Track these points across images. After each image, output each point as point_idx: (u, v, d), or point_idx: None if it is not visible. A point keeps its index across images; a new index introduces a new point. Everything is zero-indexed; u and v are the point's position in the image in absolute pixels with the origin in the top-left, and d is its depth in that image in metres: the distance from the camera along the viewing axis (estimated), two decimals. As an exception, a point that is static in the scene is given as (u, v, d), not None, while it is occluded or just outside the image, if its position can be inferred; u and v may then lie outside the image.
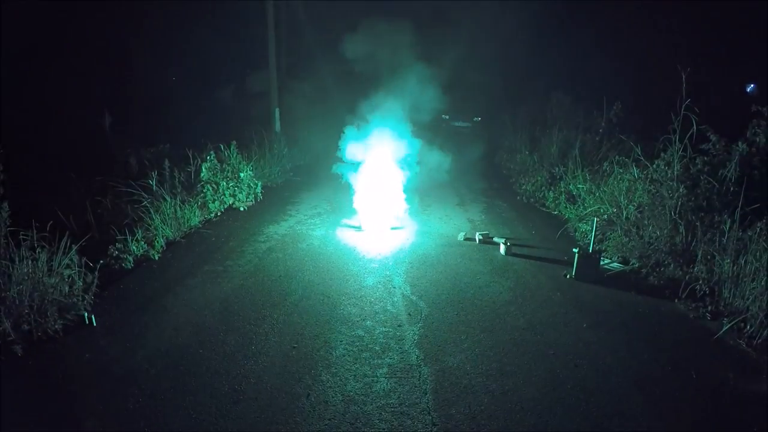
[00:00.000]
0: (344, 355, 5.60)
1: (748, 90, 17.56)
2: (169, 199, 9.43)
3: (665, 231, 7.88)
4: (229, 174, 11.16)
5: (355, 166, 10.55)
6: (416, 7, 10.45)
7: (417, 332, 6.09)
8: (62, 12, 12.53)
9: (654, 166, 8.55)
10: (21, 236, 6.26)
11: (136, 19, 13.63)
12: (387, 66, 10.53)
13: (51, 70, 12.33)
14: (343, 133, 10.60)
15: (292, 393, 4.96)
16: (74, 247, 6.64)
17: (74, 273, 6.49)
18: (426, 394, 4.97)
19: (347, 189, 11.45)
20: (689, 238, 7.61)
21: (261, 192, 11.99)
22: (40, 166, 10.30)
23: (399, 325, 6.24)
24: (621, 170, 9.68)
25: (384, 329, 6.15)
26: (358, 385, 5.09)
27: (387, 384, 5.11)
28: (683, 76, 8.18)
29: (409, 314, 6.53)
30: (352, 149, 10.46)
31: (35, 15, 11.89)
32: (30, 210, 6.88)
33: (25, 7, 11.60)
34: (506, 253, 8.62)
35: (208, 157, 10.82)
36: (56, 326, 5.91)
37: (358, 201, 10.56)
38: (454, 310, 6.67)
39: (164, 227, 8.97)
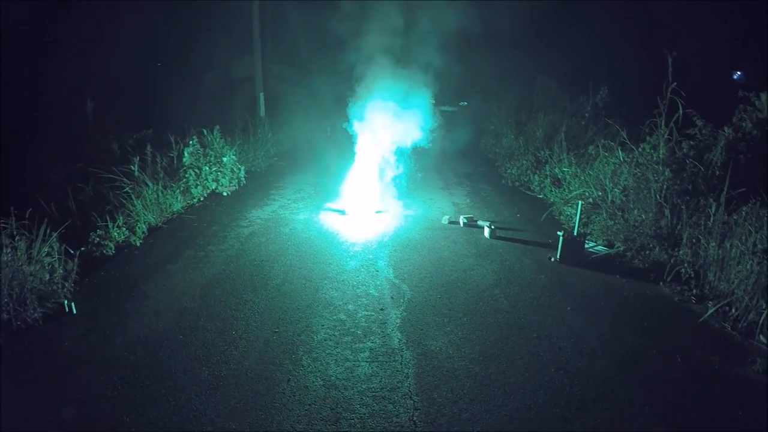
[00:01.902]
0: (325, 340, 5.55)
1: (735, 77, 17.60)
2: (151, 184, 9.33)
3: (650, 214, 7.86)
4: (212, 159, 11.06)
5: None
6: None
7: (399, 316, 6.04)
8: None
9: (640, 149, 8.52)
10: (0, 224, 6.15)
11: (120, 3, 13.46)
12: (373, 50, 10.42)
13: (30, 55, 12.15)
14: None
15: (273, 378, 4.90)
16: (54, 235, 6.57)
17: (54, 261, 6.42)
18: (408, 378, 4.93)
19: (332, 173, 11.41)
20: (674, 222, 7.59)
21: (244, 177, 11.91)
22: (19, 152, 10.16)
23: (381, 309, 6.19)
24: (606, 154, 9.64)
25: (366, 313, 6.10)
26: (340, 370, 5.04)
27: (368, 368, 5.06)
28: (669, 60, 8.15)
29: (392, 298, 6.48)
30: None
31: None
32: (9, 197, 6.79)
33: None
34: (491, 236, 8.58)
35: (191, 142, 10.70)
36: (36, 315, 5.84)
37: (343, 185, 10.50)
38: (437, 293, 6.62)
39: (146, 213, 8.88)
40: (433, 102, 11.89)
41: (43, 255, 6.32)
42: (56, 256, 6.46)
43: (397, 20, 10.27)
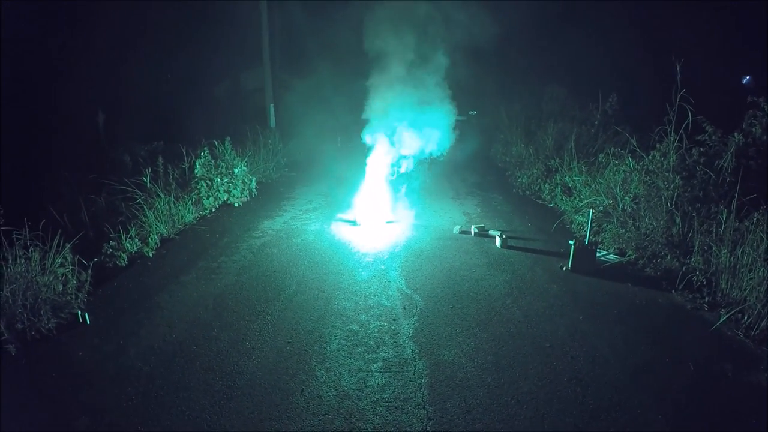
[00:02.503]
0: (339, 350, 5.57)
1: (744, 81, 17.52)
2: (163, 196, 9.38)
3: (661, 222, 7.85)
4: (224, 170, 11.10)
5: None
6: (411, 3, 10.32)
7: (412, 326, 6.05)
8: (56, 9, 12.46)
9: (650, 157, 8.51)
10: (14, 235, 6.21)
11: (130, 15, 13.55)
12: (385, 60, 10.45)
13: (44, 68, 12.25)
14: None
15: (286, 389, 4.93)
16: (68, 246, 6.61)
17: (68, 271, 6.47)
18: (421, 388, 4.94)
19: (343, 183, 11.44)
20: (686, 229, 7.58)
21: (256, 188, 11.93)
22: (33, 164, 10.23)
23: (394, 319, 6.21)
24: (617, 162, 9.63)
25: (379, 323, 6.12)
26: (353, 380, 5.05)
27: (382, 378, 5.08)
28: (677, 67, 8.14)
29: (404, 308, 6.50)
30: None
31: (29, 11, 11.82)
32: (23, 208, 6.84)
33: (21, 4, 11.54)
34: (502, 245, 8.58)
35: (202, 154, 10.75)
36: (50, 325, 5.88)
37: (354, 195, 10.53)
38: (449, 303, 6.63)
39: (158, 224, 8.93)
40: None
41: (57, 266, 6.38)
42: (70, 266, 6.51)
43: (409, 34, 10.30)
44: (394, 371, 5.20)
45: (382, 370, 5.22)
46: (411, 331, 5.95)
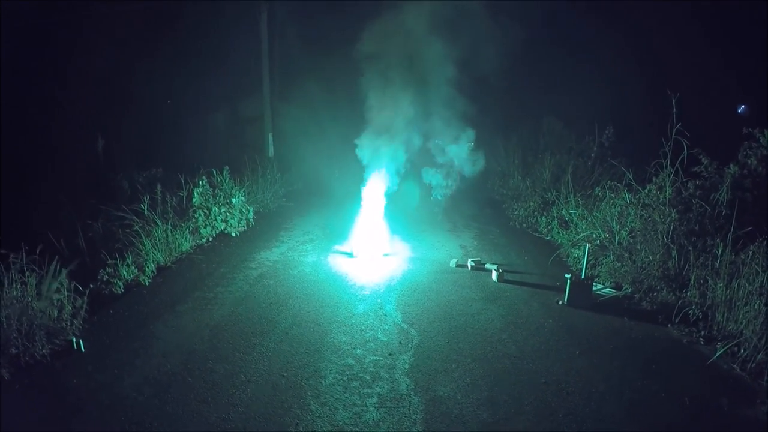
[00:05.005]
0: (334, 384, 5.55)
1: (739, 111, 17.60)
2: (160, 223, 9.38)
3: (657, 256, 7.86)
4: (221, 199, 11.13)
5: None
6: (407, 32, 10.40)
7: (408, 361, 6.03)
8: (55, 34, 12.55)
9: (646, 190, 8.56)
10: (11, 259, 6.21)
11: (130, 42, 13.64)
12: (380, 91, 10.51)
13: (43, 93, 12.32)
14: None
15: (281, 422, 4.90)
16: (64, 271, 6.60)
17: (63, 297, 6.46)
18: (416, 424, 4.92)
19: (340, 215, 11.45)
20: (682, 263, 7.60)
21: (253, 218, 11.94)
22: (31, 188, 10.26)
23: (390, 354, 6.19)
24: (613, 195, 9.67)
25: (374, 358, 6.10)
26: (348, 415, 5.03)
27: (377, 414, 5.06)
28: (673, 101, 8.21)
29: (400, 342, 6.48)
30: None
31: (27, 35, 11.91)
32: (20, 233, 6.84)
33: (19, 28, 11.63)
34: (498, 279, 8.58)
35: (201, 182, 10.78)
36: (44, 351, 5.87)
37: (351, 227, 10.56)
38: (445, 338, 6.62)
39: (155, 252, 8.92)
40: (440, 143, 11.98)
41: (53, 291, 6.35)
42: (65, 293, 6.50)
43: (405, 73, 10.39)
44: (389, 406, 5.18)
45: (377, 405, 5.20)
46: (407, 366, 5.93)
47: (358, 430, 4.81)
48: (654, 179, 8.52)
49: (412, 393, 5.41)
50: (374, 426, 4.87)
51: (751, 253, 6.70)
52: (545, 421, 4.98)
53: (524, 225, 12.18)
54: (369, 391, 5.44)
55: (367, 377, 5.69)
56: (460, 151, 11.97)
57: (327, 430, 4.80)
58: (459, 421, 4.96)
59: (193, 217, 10.37)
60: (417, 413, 5.07)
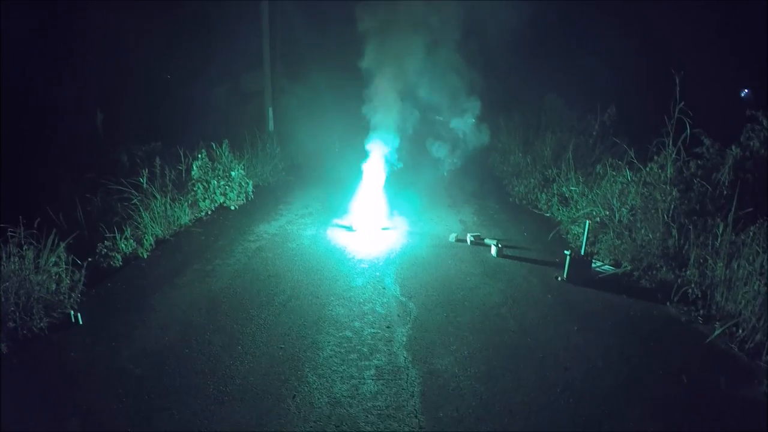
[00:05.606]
0: (331, 357, 5.55)
1: (743, 95, 17.52)
2: (159, 197, 9.34)
3: (658, 234, 7.84)
4: (221, 173, 11.08)
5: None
6: (410, 12, 10.29)
7: (406, 334, 6.03)
8: (54, 7, 12.46)
9: (647, 169, 8.52)
10: (9, 233, 6.19)
11: (130, 16, 13.53)
12: (383, 67, 10.43)
13: (43, 66, 12.24)
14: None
15: (278, 394, 4.90)
16: (62, 245, 6.59)
17: (62, 271, 6.45)
18: (413, 396, 4.92)
19: (340, 189, 11.41)
20: (682, 242, 7.57)
21: (252, 191, 11.91)
22: (29, 161, 10.21)
23: (388, 327, 6.19)
24: (614, 173, 9.62)
25: (372, 330, 6.10)
26: (345, 387, 5.03)
27: (374, 386, 5.06)
28: (677, 80, 8.15)
29: (399, 315, 6.47)
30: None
31: (29, 10, 11.82)
32: (18, 206, 6.81)
33: (21, 3, 11.54)
34: (497, 254, 8.57)
35: (200, 156, 10.72)
36: (42, 324, 5.86)
37: (350, 201, 10.52)
38: (443, 311, 6.61)
39: (154, 225, 8.90)
40: (441, 119, 11.94)
41: (51, 265, 6.35)
42: (63, 266, 6.49)
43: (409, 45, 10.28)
44: (387, 379, 5.18)
45: (374, 377, 5.20)
46: (405, 338, 5.93)
47: (355, 402, 4.81)
48: (656, 158, 8.48)
49: (409, 366, 5.41)
50: (372, 398, 4.87)
51: (751, 233, 6.66)
52: (543, 395, 4.97)
53: (524, 201, 12.15)
54: (366, 363, 5.44)
55: (365, 350, 5.69)
56: (464, 125, 11.92)
57: (324, 401, 4.80)
58: (456, 394, 4.96)
59: (192, 190, 10.33)
60: (414, 386, 5.07)
